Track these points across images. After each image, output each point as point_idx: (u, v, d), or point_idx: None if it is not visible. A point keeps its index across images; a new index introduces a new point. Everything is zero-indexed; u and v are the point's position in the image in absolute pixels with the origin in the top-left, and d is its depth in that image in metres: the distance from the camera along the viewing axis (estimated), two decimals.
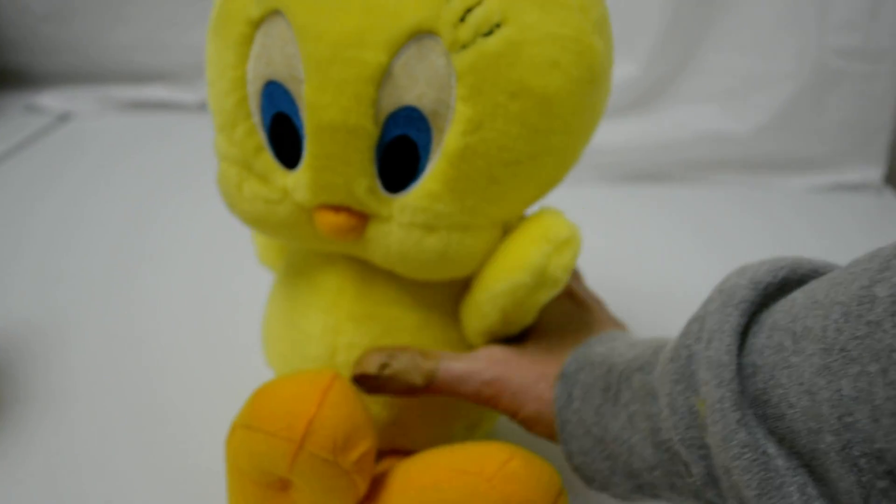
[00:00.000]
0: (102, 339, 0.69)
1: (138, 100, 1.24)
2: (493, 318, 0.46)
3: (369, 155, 0.40)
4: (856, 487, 0.29)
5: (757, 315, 0.35)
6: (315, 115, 0.39)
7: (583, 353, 0.45)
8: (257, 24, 0.40)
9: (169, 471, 0.56)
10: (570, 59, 0.41)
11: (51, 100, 1.22)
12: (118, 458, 0.57)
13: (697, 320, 0.36)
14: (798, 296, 0.33)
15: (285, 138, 0.42)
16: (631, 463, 0.40)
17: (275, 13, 0.39)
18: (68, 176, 1.03)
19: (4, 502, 0.53)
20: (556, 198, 0.48)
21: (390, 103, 0.39)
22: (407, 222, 0.42)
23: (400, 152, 0.40)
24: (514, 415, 0.45)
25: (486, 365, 0.45)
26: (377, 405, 0.48)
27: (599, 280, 0.57)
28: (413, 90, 0.39)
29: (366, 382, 0.45)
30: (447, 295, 0.48)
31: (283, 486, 0.42)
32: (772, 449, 0.32)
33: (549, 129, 0.41)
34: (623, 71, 1.08)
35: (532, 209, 0.46)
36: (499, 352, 0.46)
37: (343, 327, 0.48)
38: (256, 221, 0.45)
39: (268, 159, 0.43)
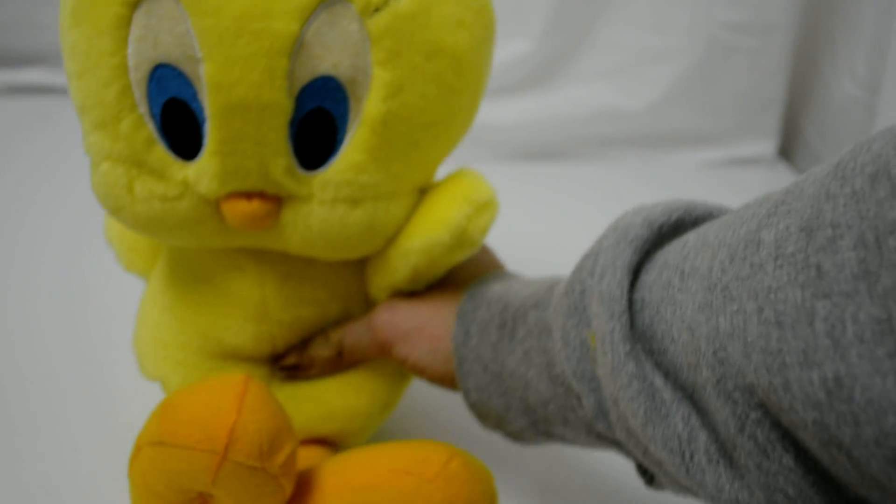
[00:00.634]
0: None
1: (14, 83, 1.19)
2: (402, 274, 0.47)
3: (284, 132, 0.40)
4: (731, 418, 0.31)
5: (651, 254, 0.37)
6: (221, 94, 0.38)
7: (479, 290, 0.47)
8: (134, 4, 0.39)
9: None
10: (472, 17, 0.42)
11: None
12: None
13: (591, 256, 0.39)
14: (690, 237, 0.36)
15: (180, 127, 0.40)
16: (526, 398, 0.43)
17: None
18: None
19: None
20: None
21: (304, 75, 0.39)
22: (330, 199, 0.42)
23: (315, 126, 0.40)
24: (406, 358, 0.47)
25: (380, 312, 0.47)
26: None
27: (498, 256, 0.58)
28: (328, 59, 0.39)
29: (291, 369, 0.48)
30: (359, 280, 0.50)
31: (203, 501, 0.42)
32: (658, 381, 0.34)
33: (461, 89, 0.43)
34: (517, 47, 1.08)
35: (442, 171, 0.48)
36: (395, 299, 0.48)
37: (277, 333, 0.48)
38: (150, 224, 0.43)
39: (161, 152, 0.41)
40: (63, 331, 0.70)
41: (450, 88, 0.42)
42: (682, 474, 0.33)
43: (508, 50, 1.06)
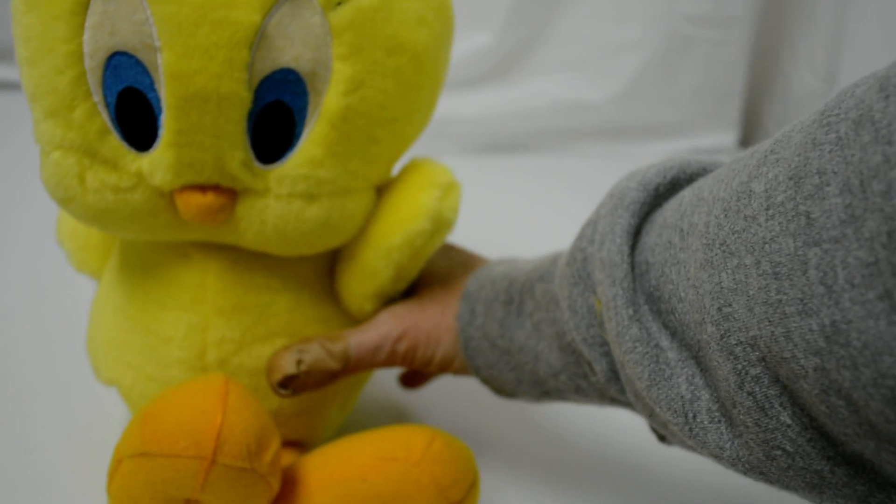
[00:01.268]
0: None
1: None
2: (385, 276, 0.47)
3: (242, 125, 0.39)
4: (732, 375, 0.32)
5: (650, 214, 0.38)
6: (179, 84, 0.38)
7: (484, 272, 0.48)
8: None
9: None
10: (433, 14, 0.43)
11: None
12: None
13: (590, 224, 0.39)
14: (686, 193, 0.36)
15: (135, 117, 0.40)
16: (537, 370, 0.43)
17: None
18: None
19: None
20: None
21: (264, 67, 0.38)
22: (286, 193, 0.41)
23: (273, 119, 0.40)
24: (431, 359, 0.47)
25: (393, 323, 0.47)
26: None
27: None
28: (289, 51, 0.38)
29: (289, 384, 0.45)
30: (315, 270, 0.49)
31: None
32: (665, 342, 0.35)
33: (420, 85, 0.44)
34: (478, 41, 1.08)
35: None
36: (399, 308, 0.48)
37: (211, 323, 0.46)
38: (101, 215, 0.42)
39: (114, 142, 0.40)
40: (41, 332, 0.68)
41: (409, 84, 0.42)
42: (686, 434, 0.34)
43: (470, 43, 1.07)
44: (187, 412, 0.39)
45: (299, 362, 0.45)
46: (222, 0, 0.36)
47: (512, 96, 1.12)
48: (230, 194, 0.41)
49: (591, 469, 0.56)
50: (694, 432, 0.34)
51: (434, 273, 0.50)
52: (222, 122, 0.39)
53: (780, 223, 0.29)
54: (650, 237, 0.36)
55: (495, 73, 1.11)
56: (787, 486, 0.32)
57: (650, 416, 0.37)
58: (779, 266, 0.28)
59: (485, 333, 0.45)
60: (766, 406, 0.30)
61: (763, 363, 0.30)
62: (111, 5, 0.37)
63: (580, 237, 0.40)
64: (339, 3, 0.38)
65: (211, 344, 0.46)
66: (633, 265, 0.36)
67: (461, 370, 0.48)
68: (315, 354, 0.45)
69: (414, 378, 0.56)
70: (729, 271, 0.31)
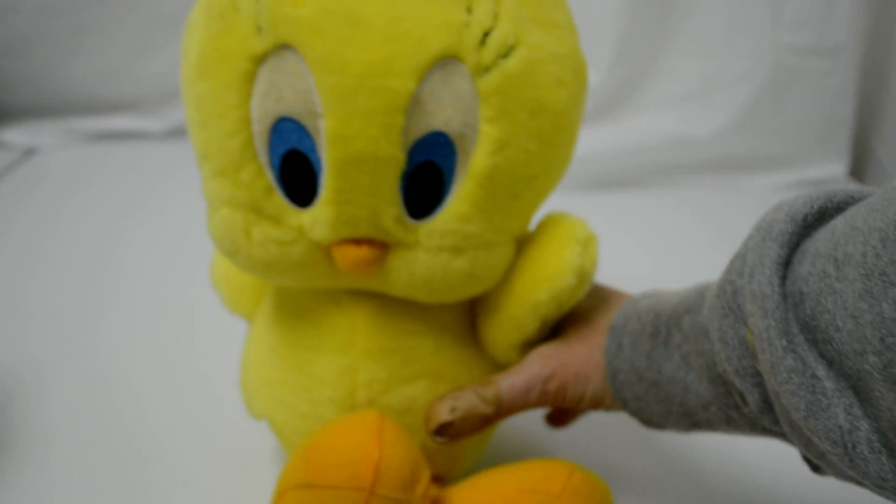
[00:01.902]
0: (80, 377, 0.71)
1: (103, 130, 1.28)
2: (532, 328, 0.49)
3: (396, 184, 0.42)
4: None
5: (800, 245, 0.38)
6: (340, 147, 0.40)
7: (629, 306, 0.49)
8: (260, 60, 0.41)
9: None
10: (570, 75, 0.45)
11: (15, 135, 1.25)
12: (104, 502, 0.57)
13: (739, 257, 0.40)
14: (838, 223, 0.36)
15: (297, 176, 0.43)
16: (686, 402, 0.44)
17: (281, 48, 0.40)
18: (37, 210, 1.05)
19: None
20: None
21: (418, 130, 0.41)
22: (435, 246, 0.44)
23: (424, 178, 0.42)
24: (582, 397, 0.48)
25: (541, 364, 0.48)
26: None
27: None
28: (440, 115, 0.41)
29: (445, 432, 0.47)
30: (456, 315, 0.51)
31: None
32: (821, 371, 0.35)
33: (559, 143, 0.46)
34: None
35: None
36: (546, 349, 0.49)
37: (360, 365, 0.49)
38: (266, 266, 0.45)
39: (278, 200, 0.44)
40: (175, 364, 0.72)
41: (549, 143, 0.44)
42: (846, 465, 0.34)
43: None
44: (347, 446, 0.42)
45: (453, 409, 0.47)
46: (380, 69, 0.39)
47: (619, 133, 1.12)
48: (383, 247, 0.44)
49: None
50: (854, 462, 0.33)
51: (578, 312, 0.51)
52: (378, 182, 0.41)
53: None
54: (803, 267, 0.37)
55: (603, 112, 1.12)
56: None
57: (806, 446, 0.37)
58: None
59: (632, 366, 0.46)
60: None
61: None
62: (277, 75, 0.40)
63: (729, 270, 0.40)
64: (486, 70, 0.41)
65: (360, 384, 0.48)
66: (784, 296, 0.36)
67: (613, 406, 0.48)
68: (469, 401, 0.47)
69: (560, 417, 0.57)
70: (890, 301, 0.30)
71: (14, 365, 0.71)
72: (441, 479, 0.52)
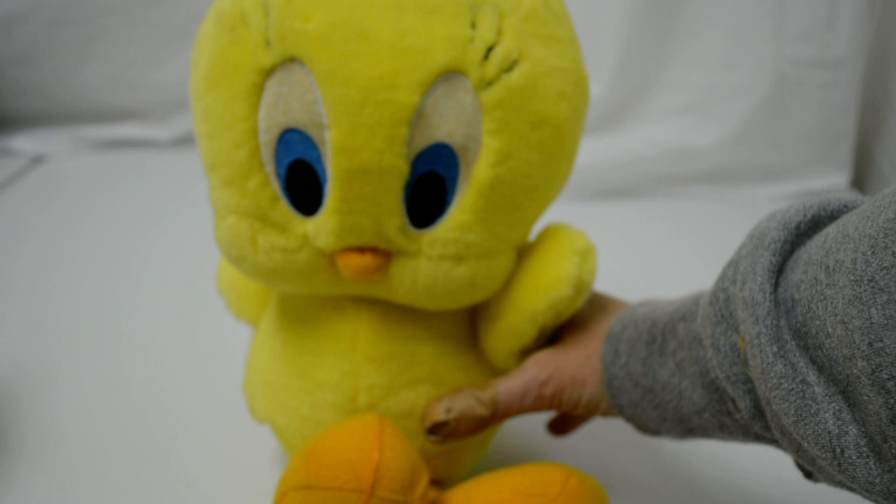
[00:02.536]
0: (88, 381, 0.72)
1: (111, 138, 1.29)
2: (530, 336, 0.50)
3: (399, 194, 0.43)
4: (883, 409, 0.32)
5: (792, 253, 0.39)
6: (345, 158, 0.41)
7: (626, 314, 0.49)
8: (268, 72, 0.42)
9: None
10: (572, 89, 0.46)
11: (23, 143, 1.26)
12: (111, 502, 0.58)
13: (732, 265, 0.40)
14: (830, 231, 0.37)
15: (302, 186, 0.44)
16: (680, 408, 0.44)
17: (289, 61, 0.42)
18: (45, 218, 1.06)
19: None
20: None
21: (421, 141, 0.42)
22: (437, 255, 0.45)
23: (427, 188, 0.43)
24: (578, 402, 0.49)
25: (538, 368, 0.49)
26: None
27: None
28: (444, 127, 0.42)
29: (439, 431, 0.48)
30: (456, 322, 0.52)
31: None
32: (811, 377, 0.35)
33: (561, 154, 0.47)
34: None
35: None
36: (543, 354, 0.50)
37: (362, 370, 0.50)
38: (270, 273, 0.46)
39: (284, 209, 0.45)
40: (188, 366, 0.74)
41: (551, 155, 0.45)
42: (835, 469, 0.35)
43: None
44: (347, 449, 0.43)
45: (449, 410, 0.47)
46: (385, 83, 0.40)
47: (621, 144, 1.13)
48: (386, 255, 0.45)
49: None
50: (843, 467, 0.34)
51: (576, 319, 0.52)
52: (382, 192, 0.42)
53: None
54: (795, 274, 0.37)
55: (605, 122, 1.13)
56: None
57: (797, 451, 0.37)
58: None
59: (628, 372, 0.47)
60: None
61: None
62: (285, 87, 0.41)
63: (722, 277, 0.41)
64: (489, 84, 0.42)
65: (362, 389, 0.49)
66: (776, 302, 0.37)
67: (609, 411, 0.49)
68: (465, 402, 0.48)
69: (561, 425, 0.57)
70: (879, 307, 0.31)
71: (23, 368, 0.72)
72: (440, 483, 0.53)
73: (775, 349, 0.36)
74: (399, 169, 0.42)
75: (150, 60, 1.25)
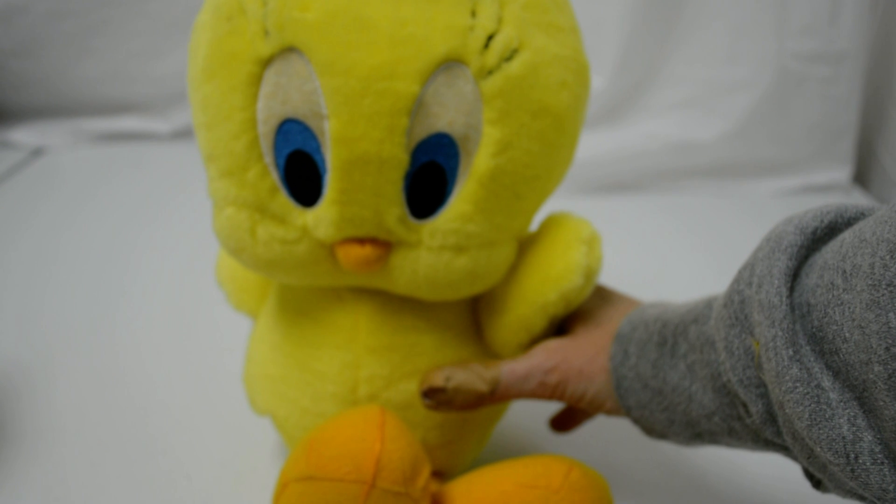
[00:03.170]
0: (87, 374, 0.72)
1: (111, 131, 1.30)
2: (540, 328, 0.50)
3: (399, 184, 0.43)
4: None
5: (808, 258, 0.39)
6: (344, 149, 0.41)
7: (637, 314, 0.49)
8: (266, 62, 0.42)
9: None
10: (573, 78, 0.45)
11: (23, 135, 1.27)
12: (109, 495, 0.58)
13: (748, 267, 0.40)
14: (847, 236, 0.37)
15: (302, 176, 0.43)
16: (690, 412, 0.44)
17: (288, 50, 0.41)
18: (44, 210, 1.07)
19: None
20: None
21: (421, 131, 0.42)
22: (437, 246, 0.44)
23: (427, 178, 0.43)
24: (583, 396, 0.48)
25: (546, 356, 0.49)
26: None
27: None
28: (444, 117, 0.42)
29: (434, 396, 0.48)
30: (457, 313, 0.52)
31: None
32: (826, 382, 0.35)
33: (561, 144, 0.46)
34: (590, 84, 1.08)
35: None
36: (552, 343, 0.50)
37: (362, 361, 0.50)
38: (269, 264, 0.46)
39: (283, 199, 0.44)
40: (186, 359, 0.74)
41: (551, 144, 0.45)
42: (848, 475, 0.34)
43: None
44: (349, 440, 0.42)
45: (448, 378, 0.47)
46: (385, 72, 0.40)
47: (624, 138, 1.13)
48: (386, 246, 0.44)
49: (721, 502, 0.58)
50: (856, 473, 0.34)
51: (587, 311, 0.51)
52: (382, 182, 0.42)
53: None
54: (811, 279, 0.37)
55: (607, 116, 1.13)
56: None
57: (809, 457, 0.37)
58: None
59: (637, 374, 0.46)
60: None
61: None
62: (283, 77, 0.41)
63: (737, 280, 0.40)
64: (490, 73, 0.41)
65: (362, 380, 0.49)
66: (792, 307, 0.37)
67: (614, 410, 0.49)
68: (465, 375, 0.48)
69: (564, 421, 0.57)
70: None
71: (22, 361, 0.72)
72: (441, 475, 0.53)
73: (791, 352, 0.35)
74: (399, 159, 0.41)
75: (149, 53, 1.25)
